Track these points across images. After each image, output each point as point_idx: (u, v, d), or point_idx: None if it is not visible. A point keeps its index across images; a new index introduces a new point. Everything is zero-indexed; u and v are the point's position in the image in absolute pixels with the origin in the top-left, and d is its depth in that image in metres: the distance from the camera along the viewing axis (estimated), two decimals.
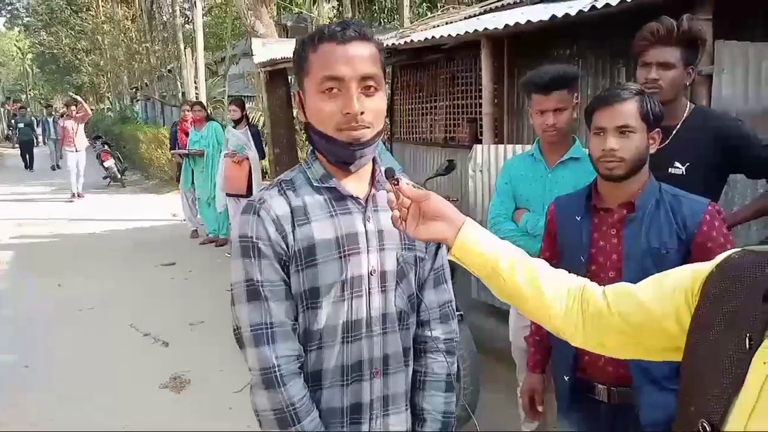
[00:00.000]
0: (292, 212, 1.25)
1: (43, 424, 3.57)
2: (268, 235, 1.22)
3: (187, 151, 7.57)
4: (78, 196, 12.46)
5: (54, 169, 17.84)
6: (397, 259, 1.33)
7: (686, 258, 1.64)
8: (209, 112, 8.28)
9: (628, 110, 1.68)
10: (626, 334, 1.01)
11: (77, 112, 12.65)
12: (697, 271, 0.93)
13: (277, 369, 1.21)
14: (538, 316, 1.13)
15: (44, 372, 4.32)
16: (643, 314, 0.98)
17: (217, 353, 4.44)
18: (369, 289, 1.29)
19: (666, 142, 2.14)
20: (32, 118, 20.77)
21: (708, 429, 0.79)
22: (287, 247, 1.24)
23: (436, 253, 1.43)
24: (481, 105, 5.37)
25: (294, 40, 8.88)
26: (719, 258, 0.92)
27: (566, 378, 1.86)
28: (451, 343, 1.45)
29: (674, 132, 2.15)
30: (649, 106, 1.70)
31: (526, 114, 5.33)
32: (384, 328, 1.32)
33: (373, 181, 1.35)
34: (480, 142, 5.12)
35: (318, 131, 1.24)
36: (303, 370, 1.26)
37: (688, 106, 2.24)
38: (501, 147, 4.23)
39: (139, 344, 4.78)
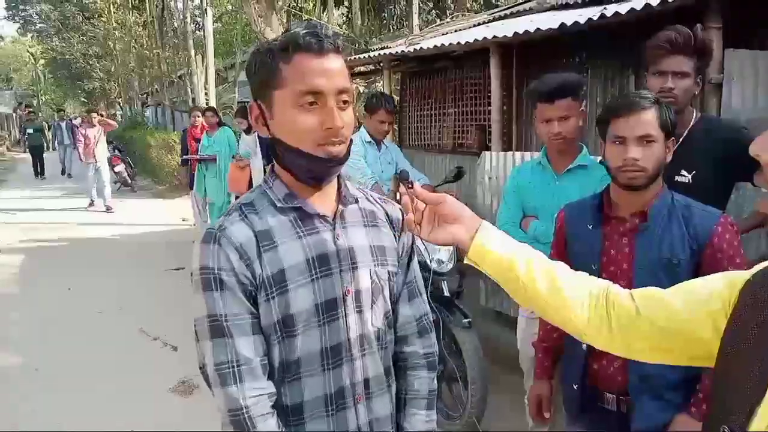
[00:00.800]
0: (256, 237, 1.17)
1: (52, 427, 3.60)
2: (231, 265, 1.14)
3: (198, 157, 7.62)
4: (107, 209, 11.43)
5: (63, 174, 17.64)
6: (371, 277, 1.27)
7: (697, 269, 1.63)
8: (221, 117, 8.33)
9: (649, 119, 1.66)
10: (656, 340, 1.00)
11: (100, 123, 11.62)
12: (734, 279, 0.92)
13: (245, 410, 1.13)
14: (558, 318, 1.11)
15: (54, 375, 4.35)
16: (676, 323, 0.96)
17: None
18: (345, 310, 1.22)
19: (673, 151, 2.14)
20: (43, 123, 20.25)
21: None
22: (254, 276, 1.16)
23: (408, 266, 1.38)
24: (489, 112, 5.38)
25: None
26: (760, 266, 0.91)
27: (575, 386, 1.85)
28: (431, 357, 1.40)
29: (681, 140, 2.14)
30: (666, 114, 1.69)
31: (535, 121, 5.34)
32: (363, 351, 1.26)
33: (339, 197, 1.28)
34: (488, 149, 5.13)
35: (292, 147, 1.17)
36: (276, 408, 1.18)
37: (694, 114, 2.24)
38: (510, 154, 4.24)
39: (148, 348, 4.81)
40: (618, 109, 1.71)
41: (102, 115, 12.82)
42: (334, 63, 1.15)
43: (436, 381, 1.42)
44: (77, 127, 14.08)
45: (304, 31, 1.14)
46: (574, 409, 1.89)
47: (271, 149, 1.24)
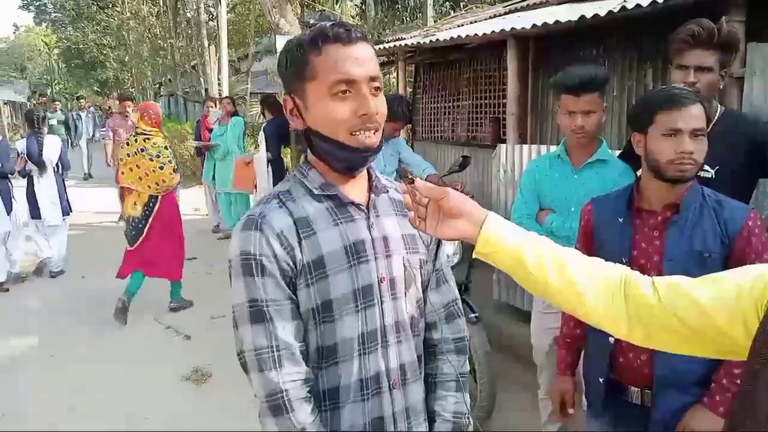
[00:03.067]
0: (295, 224, 1.20)
1: (66, 412, 3.63)
2: (272, 251, 1.16)
3: (200, 144, 7.78)
4: None
5: (86, 179, 14.61)
6: (404, 264, 1.30)
7: (727, 263, 1.62)
8: (236, 107, 8.41)
9: (699, 113, 1.65)
10: (681, 333, 0.96)
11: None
12: (767, 276, 0.88)
13: (285, 394, 1.16)
14: (572, 308, 1.07)
15: (69, 362, 4.39)
16: (703, 318, 0.93)
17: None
18: (381, 297, 1.25)
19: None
20: (68, 114, 16.19)
21: None
22: (294, 263, 1.18)
23: (436, 254, 1.41)
24: (503, 104, 5.34)
25: None
26: None
27: (601, 380, 1.84)
28: (461, 342, 1.42)
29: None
30: (707, 110, 1.68)
31: (550, 114, 5.31)
32: (398, 337, 1.29)
33: (370, 186, 1.31)
34: (503, 141, 5.09)
35: (327, 137, 1.19)
36: (312, 393, 1.21)
37: (718, 109, 2.21)
38: (525, 147, 4.21)
39: (162, 337, 4.84)
40: (668, 102, 1.68)
41: (133, 103, 9.87)
42: (364, 51, 1.18)
43: (467, 364, 1.44)
44: (108, 117, 11.94)
45: (331, 23, 1.17)
46: (598, 404, 1.89)
47: (306, 140, 1.26)
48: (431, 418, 1.38)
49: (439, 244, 1.40)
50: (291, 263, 1.18)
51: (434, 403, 1.38)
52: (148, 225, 5.04)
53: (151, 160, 4.99)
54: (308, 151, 1.29)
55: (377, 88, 1.19)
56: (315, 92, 1.18)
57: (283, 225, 1.19)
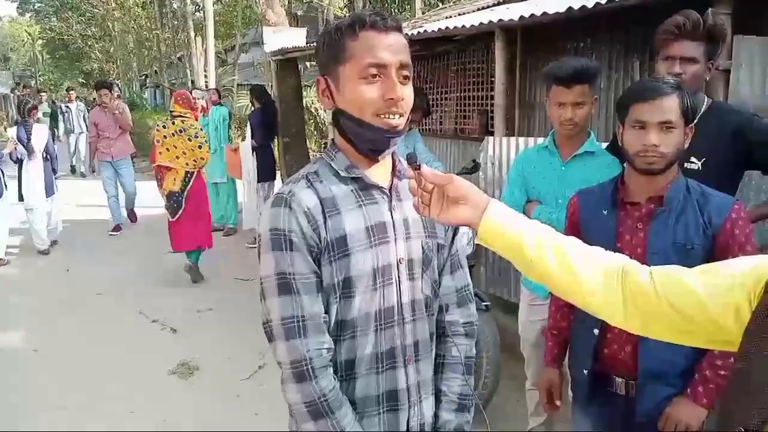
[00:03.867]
0: (322, 204, 1.26)
1: (53, 409, 3.60)
2: (300, 228, 1.23)
3: None
4: (133, 218, 8.61)
5: (74, 173, 13.67)
6: (423, 247, 1.36)
7: (710, 255, 1.64)
8: (221, 96, 8.35)
9: (670, 105, 1.65)
10: (675, 322, 0.98)
11: (114, 109, 7.84)
12: (761, 269, 0.90)
13: (309, 362, 1.22)
14: (570, 295, 1.10)
15: (53, 356, 4.35)
16: (697, 307, 0.95)
17: (225, 340, 4.46)
18: (399, 277, 1.32)
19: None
20: (54, 105, 14.69)
21: None
22: (319, 239, 1.25)
23: (452, 240, 1.44)
24: (491, 97, 5.33)
25: (304, 29, 8.83)
26: None
27: (585, 371, 1.86)
28: (470, 326, 1.48)
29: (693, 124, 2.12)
30: (687, 101, 1.68)
31: (538, 106, 5.31)
32: (414, 315, 1.35)
33: (394, 171, 1.37)
34: (490, 133, 5.09)
35: (354, 117, 1.25)
36: (333, 363, 1.28)
37: (705, 100, 2.21)
38: (513, 139, 4.20)
39: (148, 331, 4.81)
40: (640, 94, 1.70)
41: (111, 92, 8.18)
42: (398, 39, 1.25)
43: (474, 348, 1.50)
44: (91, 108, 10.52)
45: (370, 12, 1.25)
46: (582, 395, 1.91)
47: (334, 121, 1.33)
48: (438, 398, 1.44)
49: (455, 230, 1.44)
50: (316, 239, 1.25)
51: (441, 384, 1.45)
52: (184, 198, 5.62)
53: (190, 140, 5.53)
54: (336, 133, 1.35)
55: (406, 77, 1.25)
56: (347, 74, 1.24)
57: (311, 203, 1.25)
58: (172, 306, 5.22)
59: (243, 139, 7.79)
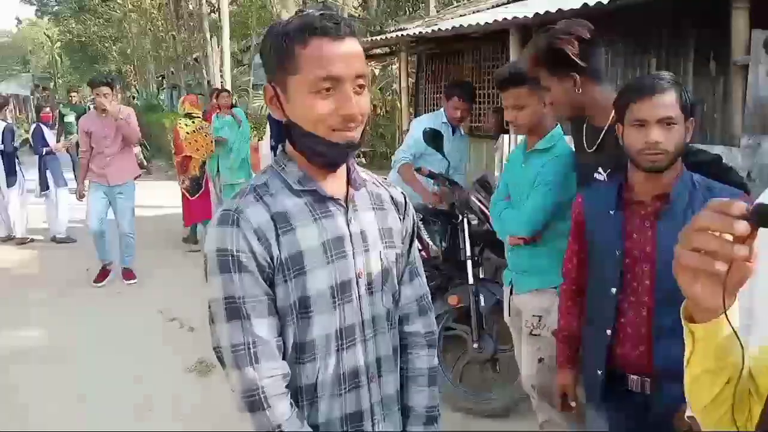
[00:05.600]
0: (273, 219, 1.17)
1: (74, 402, 3.65)
2: (250, 247, 1.14)
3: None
4: (127, 276, 6.04)
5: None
6: (381, 259, 1.29)
7: None
8: (235, 100, 8.34)
9: (670, 101, 1.64)
10: None
11: (115, 114, 5.57)
12: None
13: (261, 391, 1.15)
14: (701, 410, 0.92)
15: (71, 353, 4.41)
16: None
17: None
18: (358, 292, 1.25)
19: (593, 148, 2.15)
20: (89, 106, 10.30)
21: None
22: (271, 258, 1.16)
23: (410, 248, 1.41)
24: None
25: None
26: None
27: (599, 372, 1.84)
28: (431, 336, 1.43)
29: (600, 137, 2.13)
30: (686, 96, 1.66)
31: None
32: (375, 331, 1.29)
33: (349, 180, 1.28)
34: (505, 132, 5.07)
35: (306, 132, 1.16)
36: (290, 389, 1.20)
37: (611, 114, 2.16)
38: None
39: (166, 329, 4.86)
40: (638, 92, 1.69)
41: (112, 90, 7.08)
42: (352, 47, 1.14)
43: (436, 358, 1.45)
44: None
45: (320, 14, 1.12)
46: (596, 396, 1.89)
47: (285, 132, 1.23)
48: (405, 412, 1.39)
49: (412, 239, 1.41)
50: (268, 259, 1.16)
51: (408, 398, 1.40)
52: (203, 181, 7.08)
53: (206, 136, 6.98)
54: (287, 142, 1.26)
55: (361, 86, 1.16)
56: (297, 86, 1.14)
57: (261, 220, 1.17)
58: (190, 304, 5.27)
59: (261, 139, 7.84)
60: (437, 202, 3.66)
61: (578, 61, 2.02)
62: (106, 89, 5.54)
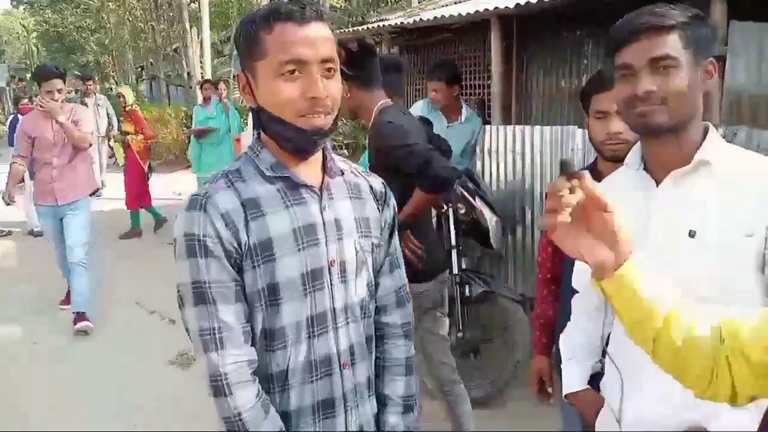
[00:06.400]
0: (243, 205, 1.18)
1: (53, 398, 3.61)
2: (217, 232, 1.15)
3: (198, 129, 7.43)
4: (78, 321, 4.61)
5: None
6: (356, 248, 1.29)
7: None
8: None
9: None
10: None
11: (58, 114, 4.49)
12: None
13: (224, 377, 1.16)
14: (672, 370, 0.96)
15: (52, 347, 4.35)
16: None
17: None
18: (330, 280, 1.25)
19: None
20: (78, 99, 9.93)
21: None
22: (239, 244, 1.17)
23: (390, 238, 1.41)
24: (488, 86, 5.32)
25: None
26: None
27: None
28: (408, 327, 1.44)
29: (367, 137, 2.50)
30: None
31: (535, 95, 5.30)
32: (347, 319, 1.29)
33: (325, 168, 1.28)
34: (487, 123, 5.08)
35: (275, 117, 1.17)
36: (259, 375, 1.20)
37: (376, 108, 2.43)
38: (510, 128, 4.20)
39: (146, 322, 4.83)
40: (599, 84, 1.73)
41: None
42: (318, 31, 1.15)
43: (413, 349, 1.45)
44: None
45: (287, 0, 1.14)
46: None
47: (256, 118, 1.25)
48: (380, 401, 1.40)
49: (392, 228, 1.41)
50: (236, 244, 1.17)
51: (385, 388, 1.40)
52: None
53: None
54: (260, 129, 1.26)
55: (330, 70, 1.16)
56: (264, 71, 1.16)
57: (229, 206, 1.17)
58: (169, 297, 5.20)
59: (243, 130, 7.75)
60: None
61: (344, 69, 2.16)
62: (58, 83, 4.47)
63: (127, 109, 7.55)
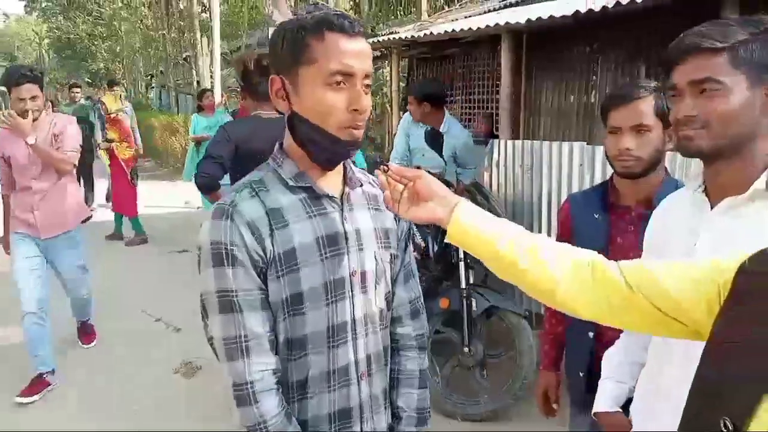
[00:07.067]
0: (268, 215, 1.18)
1: (56, 407, 3.61)
2: (243, 241, 1.15)
3: (199, 137, 7.44)
4: (86, 338, 4.56)
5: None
6: (376, 258, 1.30)
7: None
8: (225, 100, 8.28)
9: (644, 109, 1.67)
10: (649, 314, 0.99)
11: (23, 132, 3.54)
12: (724, 264, 0.91)
13: (250, 386, 1.17)
14: (539, 290, 1.08)
15: (55, 356, 4.34)
16: (668, 301, 0.96)
17: None
18: (351, 290, 1.26)
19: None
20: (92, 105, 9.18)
21: (730, 427, 0.76)
22: (264, 253, 1.17)
23: (405, 249, 1.42)
24: (497, 100, 5.34)
25: None
26: (752, 252, 0.88)
27: (581, 374, 1.86)
28: (422, 338, 1.45)
29: None
30: (664, 103, 1.69)
31: (544, 110, 5.31)
32: (366, 330, 1.30)
33: (345, 179, 1.30)
34: (495, 136, 5.09)
35: (314, 126, 1.17)
36: (280, 384, 1.21)
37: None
38: (518, 142, 4.21)
39: (152, 330, 4.82)
40: (615, 99, 1.73)
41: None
42: (364, 45, 1.18)
43: (426, 360, 1.46)
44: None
45: (335, 13, 1.16)
46: (579, 398, 1.90)
47: (289, 125, 1.24)
48: (394, 413, 1.41)
49: (407, 240, 1.43)
50: (261, 253, 1.17)
51: (398, 399, 1.41)
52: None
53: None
54: (287, 137, 1.26)
55: (368, 86, 1.19)
56: (309, 78, 1.15)
57: (255, 215, 1.18)
58: (175, 306, 5.23)
59: None
60: None
61: (240, 83, 2.58)
62: (31, 89, 3.58)
63: (111, 116, 7.55)
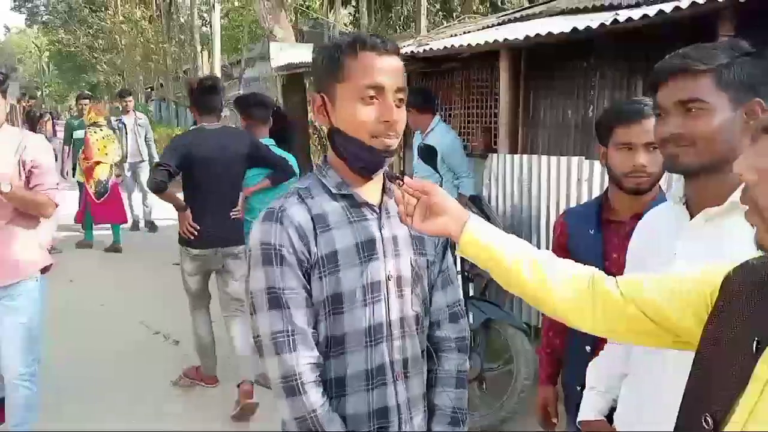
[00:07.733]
0: (313, 220, 1.28)
1: (52, 421, 3.60)
2: (291, 243, 1.25)
3: None
4: None
5: (137, 228, 9.04)
6: (412, 265, 1.37)
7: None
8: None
9: (653, 126, 1.70)
10: (641, 324, 1.04)
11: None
12: (712, 274, 0.96)
13: (298, 377, 1.24)
14: (542, 302, 1.15)
15: (55, 369, 4.33)
16: (661, 313, 1.02)
17: (226, 351, 4.46)
18: (387, 293, 1.33)
19: None
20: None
21: (710, 424, 0.82)
22: (310, 254, 1.27)
23: (443, 256, 1.48)
24: (495, 114, 5.38)
25: (310, 45, 8.87)
26: (738, 261, 0.94)
27: (578, 388, 1.86)
28: (462, 341, 1.50)
29: None
30: None
31: (542, 125, 5.35)
32: (403, 332, 1.36)
33: (384, 189, 1.40)
34: (494, 151, 5.13)
35: (350, 137, 1.28)
36: (322, 379, 1.29)
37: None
38: (516, 157, 4.24)
39: (150, 342, 4.82)
40: (624, 116, 1.74)
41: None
42: (396, 63, 1.29)
43: (467, 362, 1.51)
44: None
45: (370, 34, 1.30)
46: (575, 412, 1.90)
47: (330, 138, 1.35)
48: (431, 411, 1.45)
49: (446, 246, 1.48)
50: (307, 255, 1.27)
51: (435, 398, 1.46)
52: (109, 185, 7.65)
53: (113, 142, 7.67)
54: (329, 150, 1.37)
55: (401, 100, 1.28)
56: (345, 93, 1.27)
57: (302, 219, 1.27)
58: (174, 317, 5.22)
59: None
60: None
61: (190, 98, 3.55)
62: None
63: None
